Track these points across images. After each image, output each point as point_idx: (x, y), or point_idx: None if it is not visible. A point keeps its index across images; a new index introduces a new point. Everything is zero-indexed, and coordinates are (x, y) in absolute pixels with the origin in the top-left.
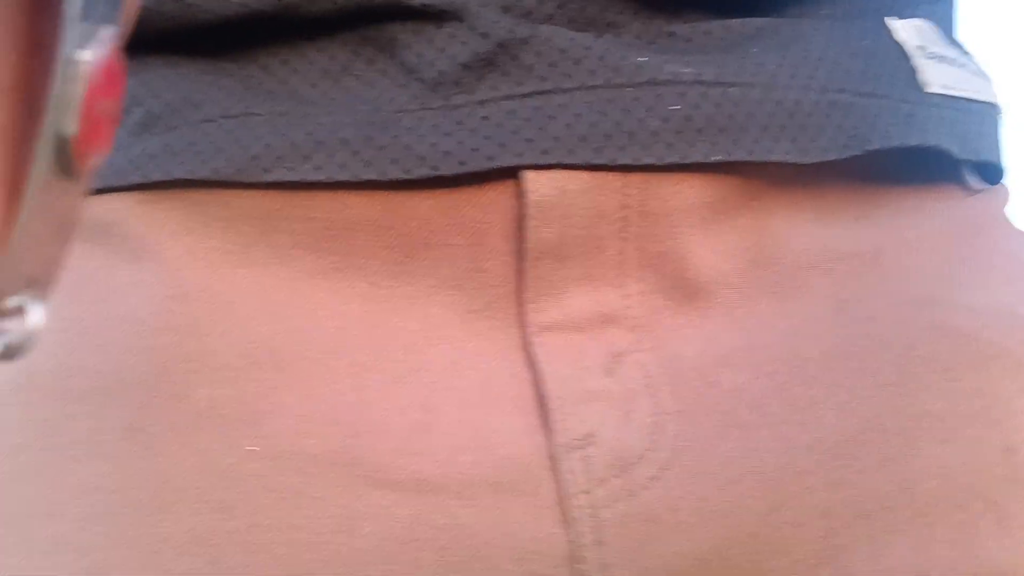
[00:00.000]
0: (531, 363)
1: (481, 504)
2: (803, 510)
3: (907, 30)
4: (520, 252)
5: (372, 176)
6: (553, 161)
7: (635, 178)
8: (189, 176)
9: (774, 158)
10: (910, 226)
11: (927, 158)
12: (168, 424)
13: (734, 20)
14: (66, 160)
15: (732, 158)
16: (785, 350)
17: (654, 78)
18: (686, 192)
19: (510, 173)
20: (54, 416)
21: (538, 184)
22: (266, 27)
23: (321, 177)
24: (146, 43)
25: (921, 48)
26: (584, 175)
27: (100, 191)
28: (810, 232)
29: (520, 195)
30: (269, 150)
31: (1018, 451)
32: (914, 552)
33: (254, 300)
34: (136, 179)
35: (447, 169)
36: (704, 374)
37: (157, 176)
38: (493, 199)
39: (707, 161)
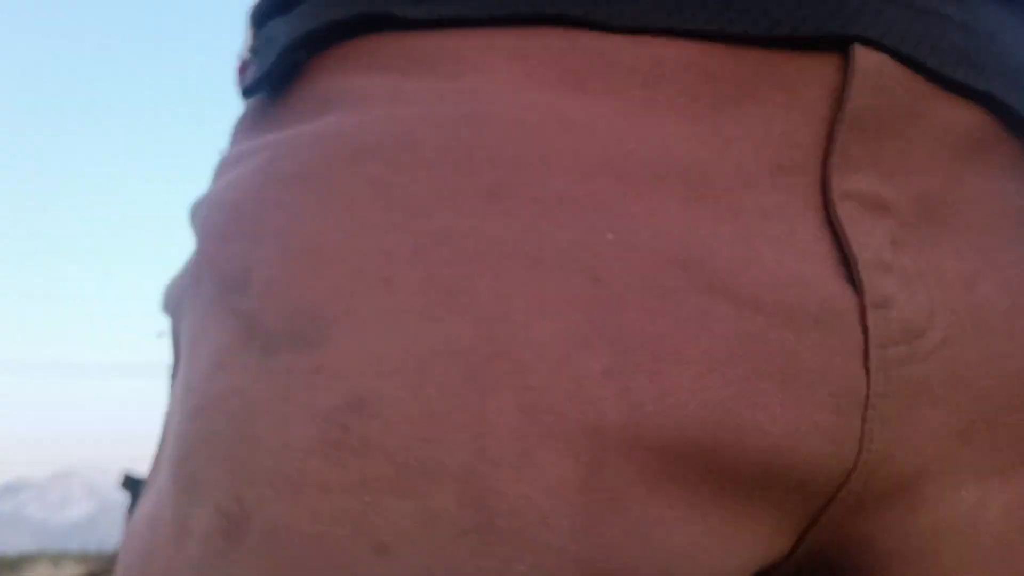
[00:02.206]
0: (832, 224)
1: (808, 335)
2: None
3: None
4: (833, 119)
5: (742, 29)
6: (890, 44)
7: (934, 89)
8: (564, 12)
9: None
10: None
11: None
12: (531, 198)
13: None
14: None
15: (1005, 98)
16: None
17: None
18: (970, 113)
19: (839, 46)
20: (403, 179)
21: (868, 60)
22: None
23: (690, 26)
24: None
25: None
26: (905, 70)
27: (440, 22)
28: None
29: (843, 68)
30: None
31: None
32: None
33: (593, 122)
34: (505, 11)
35: (806, 31)
36: (962, 281)
37: (527, 10)
38: (820, 64)
39: (988, 90)
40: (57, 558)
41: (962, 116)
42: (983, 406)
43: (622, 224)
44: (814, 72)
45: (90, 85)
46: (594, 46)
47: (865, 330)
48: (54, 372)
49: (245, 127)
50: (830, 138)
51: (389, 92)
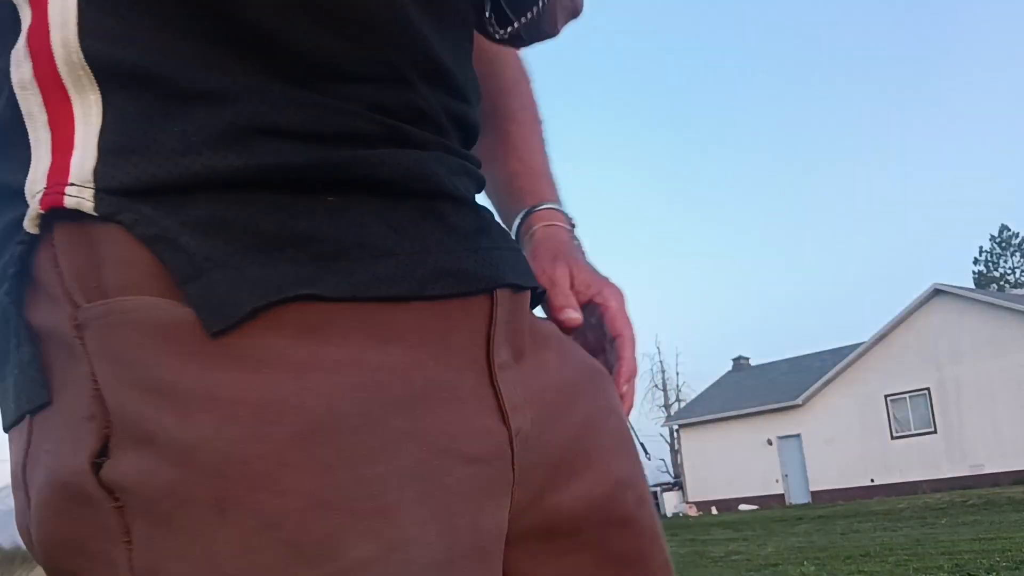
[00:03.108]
0: (495, 388)
1: (495, 462)
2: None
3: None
4: (488, 328)
5: (465, 291)
6: (516, 283)
7: (517, 295)
8: (381, 295)
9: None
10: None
11: None
12: (380, 443)
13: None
14: None
15: (531, 284)
16: (566, 375)
17: (510, 246)
18: (524, 300)
19: (488, 289)
20: (344, 443)
21: (504, 296)
22: (364, 186)
23: (440, 292)
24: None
25: None
26: (521, 294)
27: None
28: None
29: (492, 300)
30: (429, 276)
31: None
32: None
33: (354, 368)
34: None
35: (491, 286)
36: (545, 393)
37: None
38: (480, 302)
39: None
40: None
41: (518, 300)
42: (554, 457)
43: (403, 448)
44: (482, 305)
45: None
46: (369, 316)
47: (512, 447)
48: None
49: (186, 341)
50: (489, 339)
51: (307, 360)
